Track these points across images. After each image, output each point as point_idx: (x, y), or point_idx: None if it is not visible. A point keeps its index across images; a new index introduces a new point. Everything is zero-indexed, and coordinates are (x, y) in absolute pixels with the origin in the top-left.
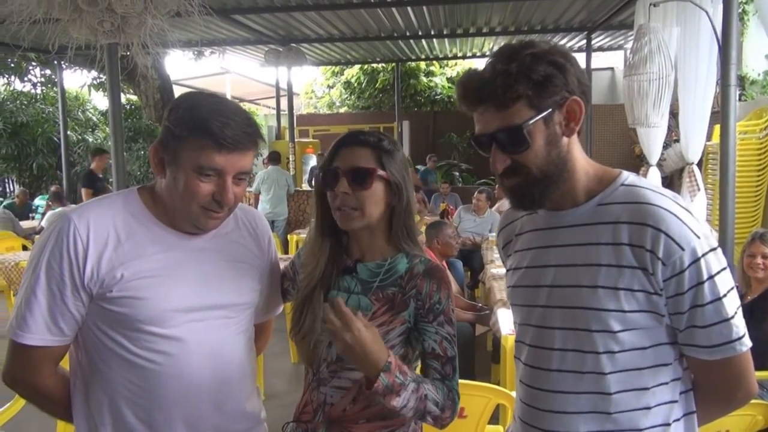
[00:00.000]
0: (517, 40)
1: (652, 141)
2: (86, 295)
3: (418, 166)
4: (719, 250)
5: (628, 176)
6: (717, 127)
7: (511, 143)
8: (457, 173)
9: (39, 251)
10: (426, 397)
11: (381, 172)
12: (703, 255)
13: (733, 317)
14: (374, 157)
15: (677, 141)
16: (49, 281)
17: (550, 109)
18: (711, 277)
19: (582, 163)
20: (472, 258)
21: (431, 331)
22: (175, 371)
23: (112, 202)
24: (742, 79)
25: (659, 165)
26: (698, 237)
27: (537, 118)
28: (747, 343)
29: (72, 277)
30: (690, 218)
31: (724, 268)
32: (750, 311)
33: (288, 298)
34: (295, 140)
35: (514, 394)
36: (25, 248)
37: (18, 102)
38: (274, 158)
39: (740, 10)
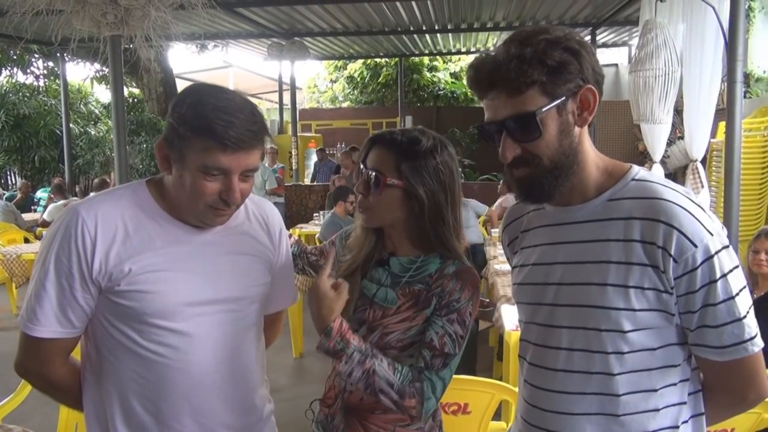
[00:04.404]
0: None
1: (656, 138)
2: (95, 288)
3: None
4: (731, 247)
5: (638, 171)
6: (721, 125)
7: (523, 131)
8: (460, 169)
9: (48, 244)
10: (374, 373)
11: (393, 181)
12: (716, 252)
13: (745, 317)
14: (394, 163)
15: (681, 138)
16: (58, 274)
17: (564, 97)
18: (724, 276)
19: (592, 156)
20: (474, 254)
21: (438, 324)
22: (182, 365)
23: (120, 196)
24: (747, 76)
25: (663, 162)
26: (711, 234)
27: (550, 105)
28: (759, 343)
29: (80, 271)
30: (703, 214)
31: (737, 267)
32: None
33: None
34: (298, 135)
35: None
36: (26, 241)
37: (20, 94)
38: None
39: (746, 7)
